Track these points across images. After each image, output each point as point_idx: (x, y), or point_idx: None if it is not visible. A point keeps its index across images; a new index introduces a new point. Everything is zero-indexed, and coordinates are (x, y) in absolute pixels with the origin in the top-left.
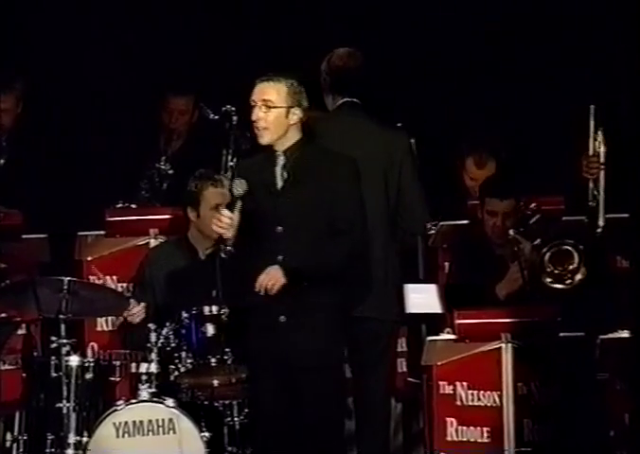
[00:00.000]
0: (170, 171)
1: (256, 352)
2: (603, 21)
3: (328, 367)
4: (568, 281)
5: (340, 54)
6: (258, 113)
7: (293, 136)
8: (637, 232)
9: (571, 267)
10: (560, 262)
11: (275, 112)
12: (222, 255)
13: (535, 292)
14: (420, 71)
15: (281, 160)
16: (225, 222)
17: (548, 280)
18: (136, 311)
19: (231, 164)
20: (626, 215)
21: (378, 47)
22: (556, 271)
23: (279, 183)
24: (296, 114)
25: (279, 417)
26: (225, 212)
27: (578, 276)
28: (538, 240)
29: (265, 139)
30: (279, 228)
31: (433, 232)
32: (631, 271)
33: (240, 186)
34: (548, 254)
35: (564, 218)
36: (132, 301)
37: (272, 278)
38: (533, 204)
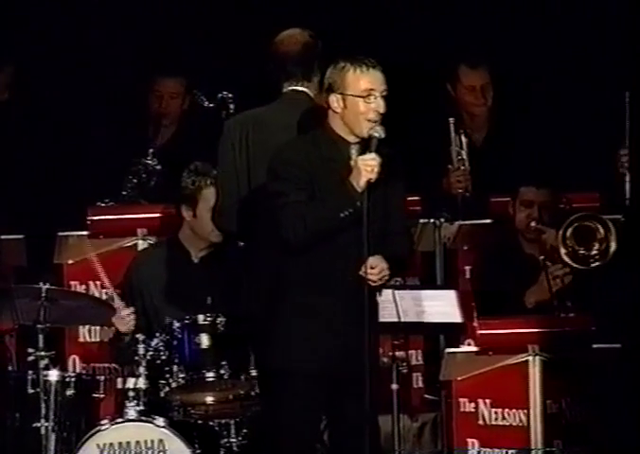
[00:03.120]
0: (158, 167)
1: (302, 362)
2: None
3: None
4: (597, 263)
5: (281, 37)
6: (381, 106)
7: None
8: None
9: (597, 245)
10: (583, 242)
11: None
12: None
13: (564, 302)
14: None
15: (355, 151)
16: (374, 166)
17: (563, 251)
18: (126, 315)
19: None
20: None
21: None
22: (580, 252)
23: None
24: None
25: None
26: (371, 155)
27: (612, 248)
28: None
29: (383, 133)
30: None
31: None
32: None
33: (382, 130)
34: (571, 229)
35: None
36: (119, 303)
37: (379, 267)
38: (564, 199)
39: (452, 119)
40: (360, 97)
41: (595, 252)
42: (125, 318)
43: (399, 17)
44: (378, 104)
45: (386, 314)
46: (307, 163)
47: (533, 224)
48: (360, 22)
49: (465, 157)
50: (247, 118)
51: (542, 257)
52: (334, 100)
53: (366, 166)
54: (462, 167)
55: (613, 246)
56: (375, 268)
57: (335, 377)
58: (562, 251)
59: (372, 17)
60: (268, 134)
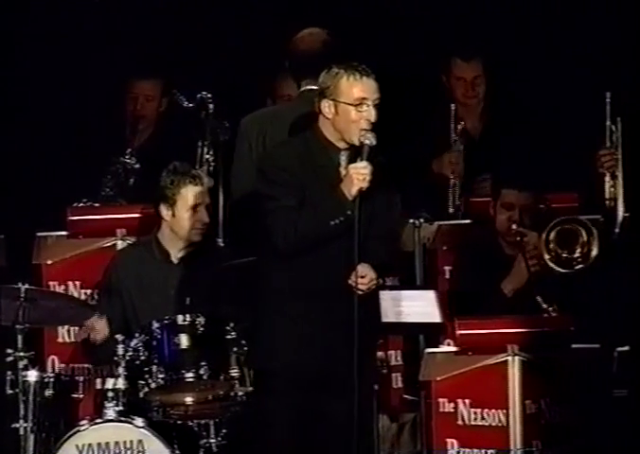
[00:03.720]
0: (137, 165)
1: (286, 366)
2: (619, 2)
3: (368, 387)
4: (579, 266)
5: (300, 36)
6: (373, 116)
7: None
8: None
9: (579, 248)
10: (565, 245)
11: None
12: (348, 215)
13: (542, 287)
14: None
15: (344, 158)
16: (366, 175)
17: (547, 257)
18: (99, 327)
19: (207, 156)
20: None
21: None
22: (563, 255)
23: None
24: None
25: (294, 446)
26: (362, 163)
27: (593, 253)
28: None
29: (375, 141)
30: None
31: (429, 227)
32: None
33: (373, 137)
34: (553, 232)
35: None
36: (95, 315)
37: (369, 278)
38: (544, 199)
39: (453, 105)
40: (352, 106)
41: (577, 254)
42: (98, 329)
43: (396, 13)
44: (370, 113)
45: None
46: (298, 168)
47: (514, 227)
48: (358, 19)
49: (459, 142)
50: (264, 116)
51: (517, 238)
52: (326, 106)
53: (358, 175)
54: (457, 151)
55: (594, 250)
56: (364, 277)
57: (323, 381)
58: (546, 256)
59: (370, 14)
60: (285, 133)
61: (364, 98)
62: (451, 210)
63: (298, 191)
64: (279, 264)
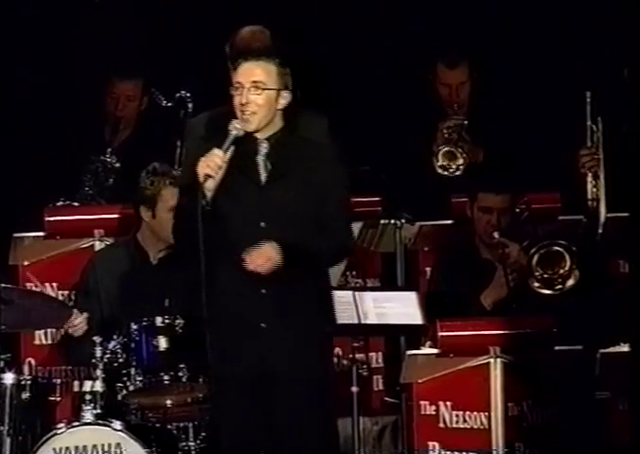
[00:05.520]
0: (117, 165)
1: (228, 365)
2: (598, 2)
3: (317, 379)
4: (558, 286)
5: (242, 34)
6: (248, 96)
7: (278, 123)
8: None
9: (562, 271)
10: (549, 265)
11: (266, 94)
12: (203, 203)
13: (523, 300)
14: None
15: (264, 148)
16: (216, 163)
17: (536, 285)
18: (78, 323)
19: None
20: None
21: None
22: (545, 276)
23: (263, 175)
24: (285, 98)
25: (253, 441)
26: (218, 151)
27: (570, 281)
28: (526, 242)
29: (253, 125)
30: (262, 224)
31: (410, 228)
32: (630, 276)
33: (239, 127)
34: (537, 256)
35: (560, 218)
36: (74, 311)
37: (265, 255)
38: (522, 200)
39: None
40: (232, 90)
41: (558, 276)
42: (77, 324)
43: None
44: (244, 96)
45: (346, 316)
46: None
47: (496, 236)
48: (343, 20)
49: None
50: (212, 117)
51: (500, 251)
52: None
53: (203, 163)
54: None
55: (572, 280)
56: (262, 257)
57: (268, 380)
58: (535, 284)
59: (358, 15)
60: None
61: (238, 82)
62: None
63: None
64: (207, 265)
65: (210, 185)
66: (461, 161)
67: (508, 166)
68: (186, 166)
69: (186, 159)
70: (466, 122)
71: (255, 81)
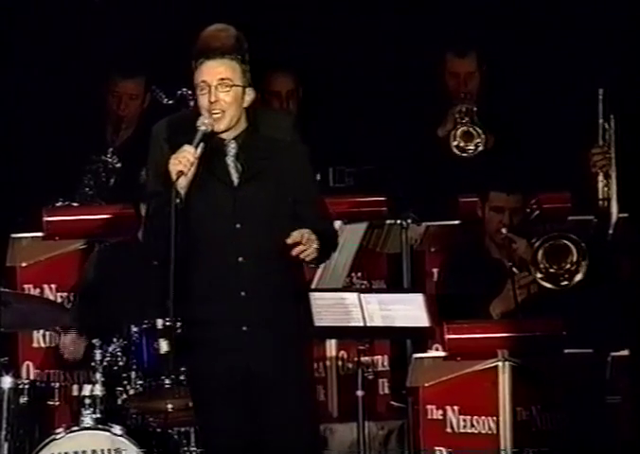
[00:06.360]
0: (118, 165)
1: (212, 372)
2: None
3: (299, 381)
4: (564, 282)
5: (205, 33)
6: (217, 94)
7: (244, 122)
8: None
9: (568, 265)
10: (555, 260)
11: (233, 91)
12: (175, 203)
13: (531, 312)
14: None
15: (232, 149)
16: (187, 159)
17: (539, 276)
18: (74, 348)
19: None
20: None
21: None
22: (551, 270)
23: (235, 176)
24: (249, 95)
25: (238, 443)
26: (188, 147)
27: (578, 276)
28: (534, 238)
29: (223, 124)
30: (238, 225)
31: (416, 229)
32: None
33: (207, 122)
34: (542, 250)
35: (570, 218)
36: (71, 335)
37: (307, 240)
38: (532, 200)
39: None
40: (198, 89)
41: (564, 271)
42: (73, 348)
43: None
44: (212, 94)
45: (351, 318)
46: None
47: (504, 231)
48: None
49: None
50: (174, 121)
51: (509, 264)
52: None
53: (174, 159)
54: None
55: (580, 274)
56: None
57: (251, 383)
58: (538, 275)
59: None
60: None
61: (203, 81)
62: None
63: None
64: (179, 268)
65: (183, 183)
66: (478, 140)
67: (519, 155)
68: (152, 172)
69: (151, 165)
70: (475, 108)
71: (222, 78)
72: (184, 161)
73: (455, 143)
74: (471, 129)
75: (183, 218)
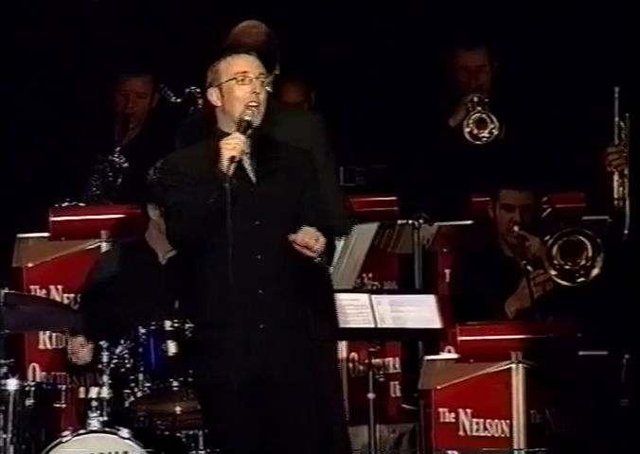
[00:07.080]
0: (125, 164)
1: (226, 372)
2: None
3: (316, 382)
4: (580, 279)
5: (237, 29)
6: (257, 88)
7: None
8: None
9: (583, 262)
10: (570, 256)
11: (265, 90)
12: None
13: (547, 311)
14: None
15: (247, 147)
16: (240, 145)
17: (553, 273)
18: (82, 354)
19: None
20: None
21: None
22: (566, 267)
23: (252, 173)
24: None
25: (250, 443)
26: (238, 134)
27: (594, 272)
28: (547, 236)
29: (259, 120)
30: (257, 222)
31: (428, 229)
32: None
33: (253, 115)
34: (556, 246)
35: (584, 218)
36: (79, 339)
37: (312, 235)
38: (544, 198)
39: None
40: (233, 80)
41: (579, 267)
42: (80, 353)
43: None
44: (254, 85)
45: (362, 319)
46: (192, 169)
47: (516, 229)
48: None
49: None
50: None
51: (523, 262)
52: (212, 95)
53: (227, 145)
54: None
55: (596, 269)
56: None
57: (267, 382)
58: (552, 272)
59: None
60: None
61: (244, 72)
62: None
63: (191, 187)
64: (193, 267)
65: (232, 171)
66: (492, 126)
67: (531, 152)
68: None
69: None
70: (487, 99)
71: (261, 73)
72: (237, 147)
73: (469, 129)
74: (484, 115)
75: (219, 213)
